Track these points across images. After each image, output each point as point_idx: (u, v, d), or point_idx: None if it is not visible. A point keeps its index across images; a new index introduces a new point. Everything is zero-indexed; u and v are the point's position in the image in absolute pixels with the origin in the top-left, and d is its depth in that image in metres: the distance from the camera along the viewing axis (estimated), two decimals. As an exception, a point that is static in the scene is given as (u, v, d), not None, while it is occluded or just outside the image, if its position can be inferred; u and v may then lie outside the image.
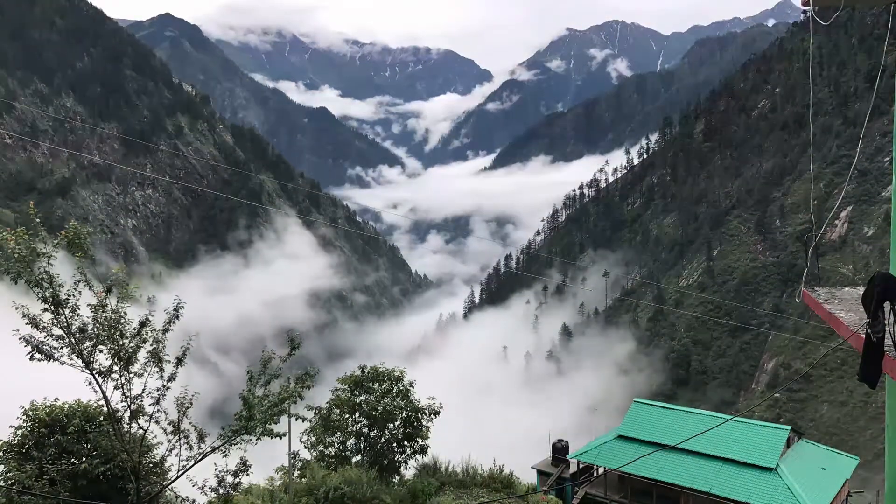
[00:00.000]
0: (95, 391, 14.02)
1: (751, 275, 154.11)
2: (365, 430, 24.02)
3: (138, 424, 14.49)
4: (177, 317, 14.53)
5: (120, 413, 14.53)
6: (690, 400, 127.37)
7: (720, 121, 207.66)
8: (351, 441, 24.08)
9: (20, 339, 13.22)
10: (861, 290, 7.07)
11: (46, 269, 13.12)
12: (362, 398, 24.17)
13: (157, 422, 14.58)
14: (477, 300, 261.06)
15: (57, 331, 13.28)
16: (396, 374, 24.73)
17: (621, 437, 34.62)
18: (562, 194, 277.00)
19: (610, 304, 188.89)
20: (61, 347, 13.35)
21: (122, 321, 13.79)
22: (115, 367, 13.82)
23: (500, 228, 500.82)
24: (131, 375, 14.01)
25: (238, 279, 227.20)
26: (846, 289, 8.77)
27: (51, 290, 13.06)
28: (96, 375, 13.76)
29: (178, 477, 15.07)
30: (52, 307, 13.15)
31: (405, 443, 23.95)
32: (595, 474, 37.05)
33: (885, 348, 6.32)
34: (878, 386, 6.80)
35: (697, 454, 31.72)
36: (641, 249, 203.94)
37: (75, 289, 13.33)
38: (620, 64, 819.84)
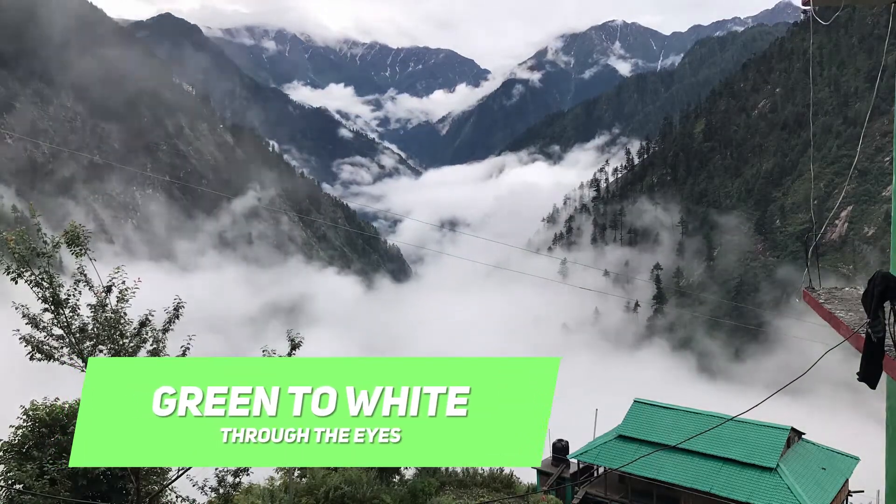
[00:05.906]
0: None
1: (751, 275, 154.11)
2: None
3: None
4: (177, 316, 14.53)
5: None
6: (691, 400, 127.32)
7: (720, 121, 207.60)
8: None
9: (20, 339, 13.21)
10: (861, 290, 7.07)
11: (46, 268, 13.11)
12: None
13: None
14: (477, 299, 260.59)
15: (57, 331, 13.27)
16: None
17: (621, 437, 34.63)
18: (562, 194, 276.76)
19: (610, 304, 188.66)
20: (61, 347, 13.34)
21: (123, 321, 13.79)
22: (116, 367, 13.79)
23: (499, 227, 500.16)
24: (131, 375, 13.97)
25: (238, 278, 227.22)
26: (846, 289, 8.78)
27: (51, 289, 13.05)
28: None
29: (178, 477, 15.07)
30: (52, 307, 13.14)
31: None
32: (595, 474, 37.06)
33: (885, 348, 6.32)
34: (877, 386, 6.80)
35: (697, 454, 31.75)
36: (641, 248, 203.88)
37: (75, 289, 13.32)
38: (620, 63, 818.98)
